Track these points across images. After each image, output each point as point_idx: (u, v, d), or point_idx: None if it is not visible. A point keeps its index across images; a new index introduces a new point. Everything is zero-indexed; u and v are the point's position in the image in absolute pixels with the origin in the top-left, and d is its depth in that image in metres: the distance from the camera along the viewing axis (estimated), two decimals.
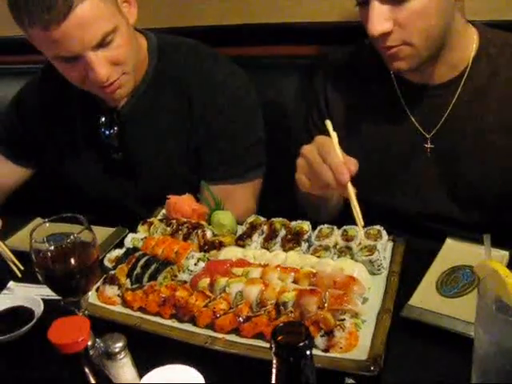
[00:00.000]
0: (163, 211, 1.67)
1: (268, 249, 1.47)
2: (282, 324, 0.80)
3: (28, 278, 1.50)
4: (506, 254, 1.36)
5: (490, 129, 1.55)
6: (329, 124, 1.42)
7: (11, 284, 1.53)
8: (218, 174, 1.81)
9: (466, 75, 1.56)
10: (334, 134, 1.40)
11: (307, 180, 1.43)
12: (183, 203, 1.62)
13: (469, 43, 1.56)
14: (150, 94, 1.81)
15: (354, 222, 1.46)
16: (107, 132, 1.85)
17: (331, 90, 1.74)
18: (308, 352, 0.76)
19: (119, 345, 1.09)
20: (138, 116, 1.83)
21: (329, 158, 1.35)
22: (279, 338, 0.76)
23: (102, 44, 1.57)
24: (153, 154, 1.85)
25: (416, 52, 1.47)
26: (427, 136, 1.62)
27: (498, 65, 1.55)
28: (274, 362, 0.77)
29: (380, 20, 1.40)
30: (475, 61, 1.55)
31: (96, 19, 1.53)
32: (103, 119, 1.85)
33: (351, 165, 1.35)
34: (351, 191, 1.38)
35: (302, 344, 0.75)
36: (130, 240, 1.56)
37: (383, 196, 1.71)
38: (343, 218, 1.54)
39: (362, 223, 1.39)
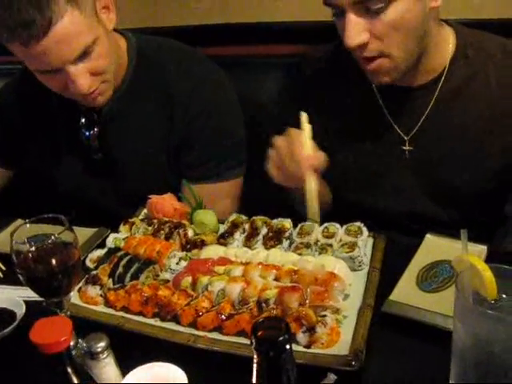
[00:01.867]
0: (145, 211, 1.67)
1: (250, 247, 1.48)
2: (261, 319, 0.81)
3: (9, 279, 1.50)
4: (484, 248, 1.38)
5: (469, 130, 1.57)
6: (304, 116, 1.45)
7: None
8: (199, 174, 1.82)
9: (443, 77, 1.57)
10: (307, 127, 1.43)
11: (276, 171, 1.46)
12: (165, 203, 1.62)
13: (445, 45, 1.57)
14: (129, 94, 1.81)
15: (336, 219, 1.49)
16: (87, 133, 1.84)
17: (310, 89, 1.75)
18: (288, 346, 0.77)
19: (102, 344, 1.09)
20: (118, 116, 1.83)
21: (296, 152, 1.40)
22: (259, 333, 0.77)
23: (83, 56, 1.56)
24: (133, 154, 1.85)
25: (395, 64, 1.48)
26: (405, 138, 1.63)
27: (475, 66, 1.56)
28: (255, 357, 0.78)
29: (356, 32, 1.41)
30: (452, 63, 1.57)
31: (76, 34, 1.51)
32: (83, 120, 1.84)
33: (314, 160, 1.38)
34: (310, 186, 1.40)
35: (281, 338, 0.76)
36: (111, 240, 1.56)
37: (364, 196, 1.73)
38: (325, 215, 1.56)
39: (318, 220, 1.41)
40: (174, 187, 1.75)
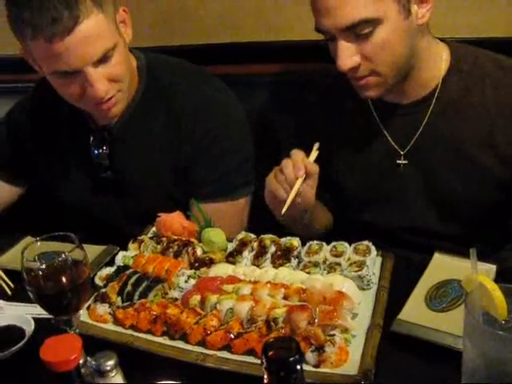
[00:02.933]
0: (153, 229, 1.68)
1: (258, 265, 1.48)
2: (272, 339, 0.81)
3: (18, 296, 1.50)
4: (493, 267, 1.37)
5: (464, 143, 1.58)
6: (316, 145, 1.53)
7: (1, 303, 1.52)
8: (207, 192, 1.82)
9: (437, 92, 1.59)
10: (315, 154, 1.52)
11: (271, 179, 1.53)
12: (173, 221, 1.63)
13: (439, 61, 1.60)
14: (139, 112, 1.82)
15: (339, 236, 1.50)
16: (97, 151, 1.86)
17: (312, 113, 1.79)
18: (298, 366, 0.77)
19: (111, 362, 1.09)
20: (128, 135, 1.84)
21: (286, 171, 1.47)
22: (270, 352, 0.77)
23: (102, 60, 1.59)
24: (142, 173, 1.86)
25: (383, 80, 1.52)
26: (401, 152, 1.65)
27: (470, 81, 1.58)
28: (265, 377, 0.78)
29: (347, 56, 1.47)
30: (446, 78, 1.59)
31: (99, 36, 1.55)
32: (93, 138, 1.86)
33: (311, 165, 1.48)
34: (295, 189, 1.47)
35: (292, 359, 0.76)
36: (120, 258, 1.56)
37: (365, 212, 1.74)
38: (332, 234, 1.56)
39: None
40: (183, 205, 1.75)
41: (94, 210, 1.95)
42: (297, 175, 1.47)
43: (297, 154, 1.50)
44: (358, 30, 1.43)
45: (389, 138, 1.66)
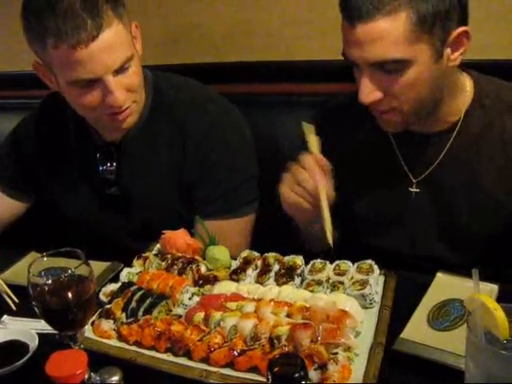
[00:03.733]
0: (158, 246, 1.69)
1: (262, 283, 1.49)
2: (278, 356, 0.82)
3: (22, 311, 1.51)
4: (495, 287, 1.38)
5: (481, 178, 1.57)
6: (307, 127, 1.54)
7: (5, 318, 1.53)
8: (212, 210, 1.83)
9: (459, 126, 1.57)
10: (313, 138, 1.52)
11: (289, 192, 1.52)
12: (178, 238, 1.63)
13: (462, 95, 1.57)
14: (146, 129, 1.84)
15: (346, 257, 1.50)
16: (103, 167, 1.88)
17: (328, 138, 1.74)
18: (303, 383, 0.77)
19: (115, 378, 1.10)
20: (135, 151, 1.86)
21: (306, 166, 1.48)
22: (275, 369, 0.78)
23: (121, 69, 1.63)
24: (148, 189, 1.87)
25: (406, 118, 1.51)
26: (413, 180, 1.64)
27: (492, 115, 1.56)
28: None
29: (370, 90, 1.44)
30: (469, 112, 1.57)
31: (119, 44, 1.60)
32: (99, 154, 1.88)
33: (322, 161, 1.49)
34: (323, 199, 1.47)
35: (297, 375, 0.77)
36: (125, 274, 1.57)
37: (373, 236, 1.73)
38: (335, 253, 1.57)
39: (330, 237, 1.47)
40: (188, 222, 1.76)
41: (99, 225, 1.95)
42: (317, 184, 1.47)
43: (308, 160, 1.50)
44: (386, 67, 1.40)
45: (403, 164, 1.65)
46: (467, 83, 1.59)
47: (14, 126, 2.09)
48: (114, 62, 1.60)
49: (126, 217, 1.93)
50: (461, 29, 1.41)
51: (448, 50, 1.43)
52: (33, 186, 2.04)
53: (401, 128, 1.56)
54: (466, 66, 1.60)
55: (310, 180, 1.50)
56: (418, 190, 1.64)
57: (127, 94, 1.67)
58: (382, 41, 1.37)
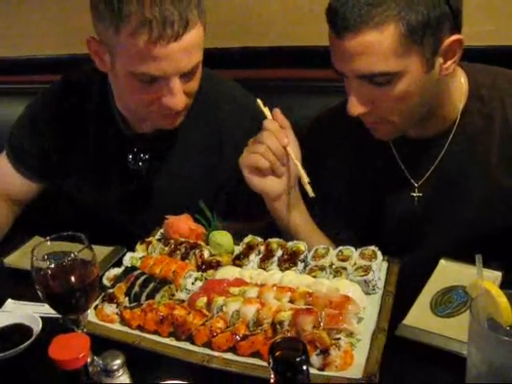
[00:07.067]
0: (161, 231, 1.69)
1: (265, 268, 1.49)
2: (279, 340, 0.82)
3: (26, 295, 1.51)
4: (499, 274, 1.37)
5: (487, 170, 1.54)
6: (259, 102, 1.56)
7: (9, 302, 1.54)
8: (236, 214, 1.81)
9: (456, 125, 1.54)
10: (266, 109, 1.56)
11: (248, 154, 1.53)
12: (181, 223, 1.63)
13: (458, 91, 1.54)
14: (182, 127, 1.75)
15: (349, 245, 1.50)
16: (133, 159, 1.83)
17: (326, 149, 1.74)
18: (304, 367, 0.78)
19: (117, 362, 1.10)
20: (169, 149, 1.80)
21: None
22: (277, 353, 0.78)
23: (189, 73, 1.54)
24: (176, 188, 1.82)
25: (396, 128, 1.49)
26: (415, 185, 1.61)
27: (490, 106, 1.53)
28: (272, 377, 0.79)
29: (359, 102, 1.41)
30: (467, 107, 1.54)
31: (197, 47, 1.51)
32: (130, 146, 1.82)
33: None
34: (295, 156, 1.51)
35: (298, 359, 0.77)
36: (128, 259, 1.57)
37: (377, 243, 1.71)
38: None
39: (309, 188, 1.48)
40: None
41: (113, 215, 1.90)
42: (283, 144, 1.48)
43: (269, 123, 1.51)
44: (375, 80, 1.36)
45: (405, 171, 1.61)
46: (462, 78, 1.55)
47: (31, 111, 1.96)
48: (187, 65, 1.51)
49: (144, 210, 1.87)
50: (454, 37, 1.36)
51: (440, 60, 1.38)
52: (49, 166, 1.93)
53: (394, 136, 1.54)
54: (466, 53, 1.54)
55: (273, 138, 1.49)
56: (420, 195, 1.61)
57: (186, 97, 1.58)
58: (369, 54, 1.33)
